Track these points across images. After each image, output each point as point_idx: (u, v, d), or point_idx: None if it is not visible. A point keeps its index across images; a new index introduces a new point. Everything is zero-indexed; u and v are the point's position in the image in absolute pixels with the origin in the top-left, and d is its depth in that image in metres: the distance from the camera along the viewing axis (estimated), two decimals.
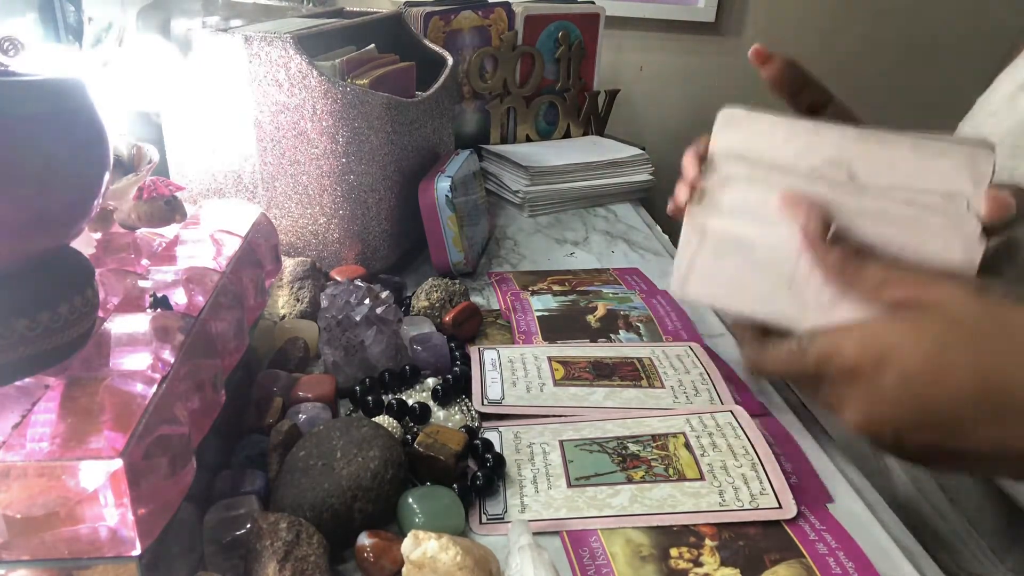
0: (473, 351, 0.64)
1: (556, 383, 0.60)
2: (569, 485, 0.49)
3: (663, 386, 0.60)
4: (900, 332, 0.42)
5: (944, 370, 0.40)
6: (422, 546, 0.40)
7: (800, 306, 0.48)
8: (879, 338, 0.42)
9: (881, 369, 0.42)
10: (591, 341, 0.67)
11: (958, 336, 0.40)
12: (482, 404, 0.57)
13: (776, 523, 0.46)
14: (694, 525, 0.46)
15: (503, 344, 0.66)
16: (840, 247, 0.46)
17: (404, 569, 0.40)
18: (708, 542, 0.45)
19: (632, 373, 0.61)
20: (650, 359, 0.63)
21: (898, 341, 0.42)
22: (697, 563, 0.43)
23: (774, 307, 0.49)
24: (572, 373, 0.61)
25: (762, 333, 0.50)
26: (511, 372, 0.61)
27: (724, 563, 0.43)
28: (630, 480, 0.49)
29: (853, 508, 0.49)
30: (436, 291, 0.68)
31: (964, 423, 0.41)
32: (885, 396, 0.42)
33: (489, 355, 0.63)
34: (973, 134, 0.60)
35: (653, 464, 0.51)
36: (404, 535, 0.41)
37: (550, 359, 0.63)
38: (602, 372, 0.61)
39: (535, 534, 0.43)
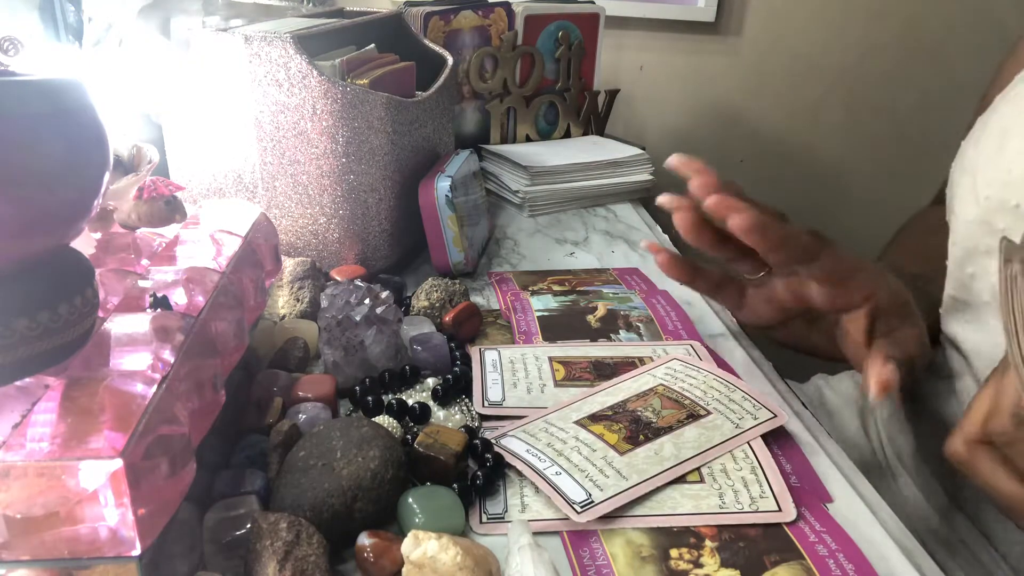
0: (474, 352, 0.64)
1: (557, 384, 0.60)
2: None
3: None
4: None
5: None
6: (422, 546, 0.40)
7: None
8: None
9: None
10: (591, 341, 0.67)
11: None
12: (483, 406, 0.57)
13: (776, 524, 0.46)
14: (694, 526, 0.46)
15: (503, 344, 0.66)
16: None
17: (404, 569, 0.40)
18: (708, 543, 0.45)
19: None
20: (651, 359, 0.63)
21: None
22: (697, 564, 0.43)
23: None
24: (573, 373, 0.61)
25: None
26: (512, 373, 0.61)
27: (724, 564, 0.43)
28: None
29: (853, 508, 0.49)
30: (436, 291, 0.68)
31: None
32: None
33: (490, 356, 0.63)
34: (996, 129, 0.58)
35: None
36: (404, 535, 0.41)
37: (551, 359, 0.63)
38: (603, 372, 0.61)
39: (535, 534, 0.43)
